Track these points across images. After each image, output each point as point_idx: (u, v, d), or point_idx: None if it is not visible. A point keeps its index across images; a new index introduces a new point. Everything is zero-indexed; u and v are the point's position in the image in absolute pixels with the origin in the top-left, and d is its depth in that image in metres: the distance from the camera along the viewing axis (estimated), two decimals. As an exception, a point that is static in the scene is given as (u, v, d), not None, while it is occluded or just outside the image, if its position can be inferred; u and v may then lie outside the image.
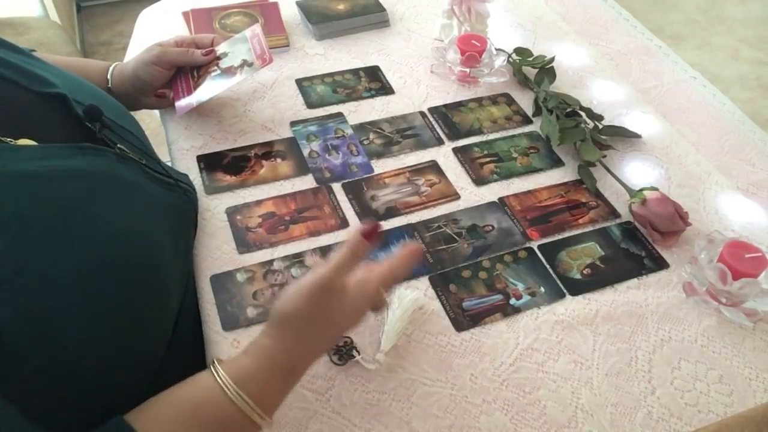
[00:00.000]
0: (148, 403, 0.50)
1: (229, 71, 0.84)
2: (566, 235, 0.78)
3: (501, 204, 0.81)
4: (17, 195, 0.49)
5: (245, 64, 0.84)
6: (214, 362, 0.52)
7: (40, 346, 0.45)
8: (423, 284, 0.72)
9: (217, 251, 0.73)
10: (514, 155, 0.88)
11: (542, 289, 0.72)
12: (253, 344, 0.54)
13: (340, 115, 0.92)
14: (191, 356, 0.66)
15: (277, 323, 0.54)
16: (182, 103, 0.85)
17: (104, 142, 0.61)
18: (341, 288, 0.55)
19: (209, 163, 0.84)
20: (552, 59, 0.99)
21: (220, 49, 0.87)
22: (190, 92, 0.85)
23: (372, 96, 0.96)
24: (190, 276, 0.70)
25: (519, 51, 1.02)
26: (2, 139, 0.53)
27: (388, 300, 0.63)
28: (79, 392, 0.48)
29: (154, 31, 1.08)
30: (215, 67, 0.85)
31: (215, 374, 0.51)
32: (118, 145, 0.62)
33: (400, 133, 0.90)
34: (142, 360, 0.55)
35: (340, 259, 0.55)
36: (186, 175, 0.79)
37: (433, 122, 0.92)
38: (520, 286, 0.72)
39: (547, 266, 0.74)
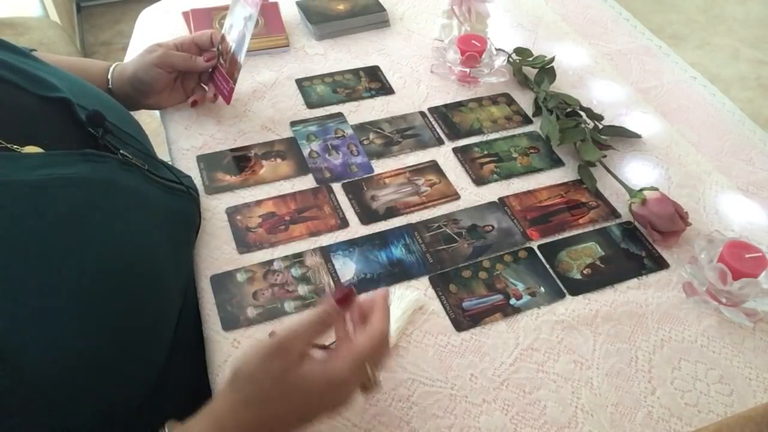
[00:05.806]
0: None
1: (240, 36, 0.84)
2: (566, 235, 0.78)
3: (501, 204, 0.81)
4: (18, 205, 0.49)
5: (246, 20, 0.84)
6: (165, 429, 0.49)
7: (39, 355, 0.45)
8: (423, 284, 0.72)
9: (217, 251, 0.73)
10: (514, 155, 0.88)
11: (542, 289, 0.72)
12: (206, 407, 0.50)
13: (340, 115, 0.92)
14: (192, 357, 0.66)
15: (229, 382, 0.50)
16: (226, 93, 0.88)
17: (107, 147, 0.61)
18: (300, 355, 0.50)
19: (209, 163, 0.84)
20: (552, 59, 0.99)
21: (225, 23, 0.86)
22: (228, 81, 0.87)
23: (372, 96, 0.96)
24: (191, 280, 0.70)
25: (519, 51, 1.01)
26: (9, 146, 0.53)
27: (376, 378, 0.54)
28: (77, 399, 0.48)
29: (154, 31, 1.08)
30: (231, 43, 0.85)
31: None
32: (121, 151, 0.61)
33: (400, 133, 0.90)
34: (141, 368, 0.55)
35: (303, 323, 0.50)
36: (189, 177, 0.78)
37: (433, 122, 0.92)
38: (520, 286, 0.72)
39: (547, 266, 0.74)
